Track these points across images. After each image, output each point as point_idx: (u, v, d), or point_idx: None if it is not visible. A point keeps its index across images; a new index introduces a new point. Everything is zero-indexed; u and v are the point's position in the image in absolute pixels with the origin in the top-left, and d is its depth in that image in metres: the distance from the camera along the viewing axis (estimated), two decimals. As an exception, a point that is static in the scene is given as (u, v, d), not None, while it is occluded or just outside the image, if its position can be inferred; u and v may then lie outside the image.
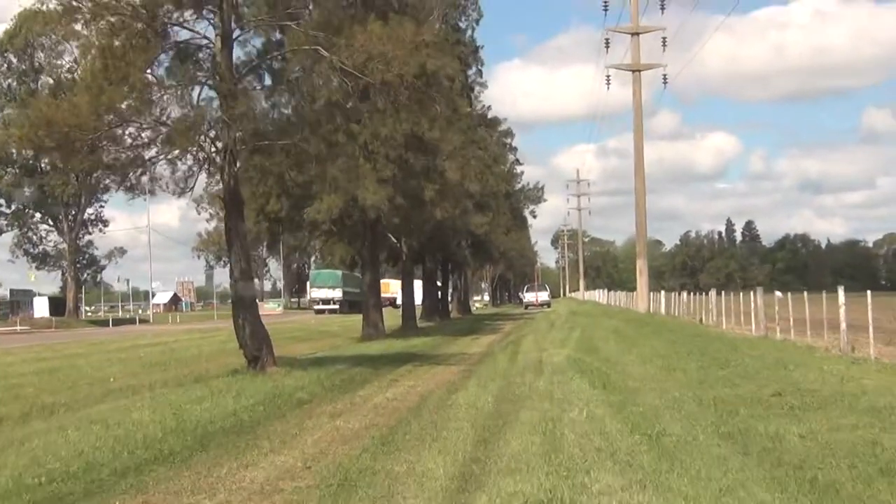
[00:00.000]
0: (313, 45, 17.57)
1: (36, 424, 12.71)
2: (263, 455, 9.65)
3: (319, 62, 17.86)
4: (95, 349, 32.78)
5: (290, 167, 20.22)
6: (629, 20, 52.23)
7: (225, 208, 18.79)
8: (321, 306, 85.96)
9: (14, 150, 62.10)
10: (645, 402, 12.36)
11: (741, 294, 33.19)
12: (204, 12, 17.79)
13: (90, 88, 17.32)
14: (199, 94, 18.27)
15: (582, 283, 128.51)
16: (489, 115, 55.14)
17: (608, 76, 55.91)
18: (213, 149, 18.39)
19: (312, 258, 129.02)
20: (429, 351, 25.20)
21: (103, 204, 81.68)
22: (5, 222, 78.05)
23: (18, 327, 63.60)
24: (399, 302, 47.77)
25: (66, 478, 8.70)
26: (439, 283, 57.28)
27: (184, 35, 18.31)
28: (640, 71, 51.12)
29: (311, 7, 19.21)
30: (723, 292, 35.78)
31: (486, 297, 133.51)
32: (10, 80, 72.23)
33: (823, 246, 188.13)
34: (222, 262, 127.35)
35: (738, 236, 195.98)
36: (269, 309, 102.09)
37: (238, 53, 18.72)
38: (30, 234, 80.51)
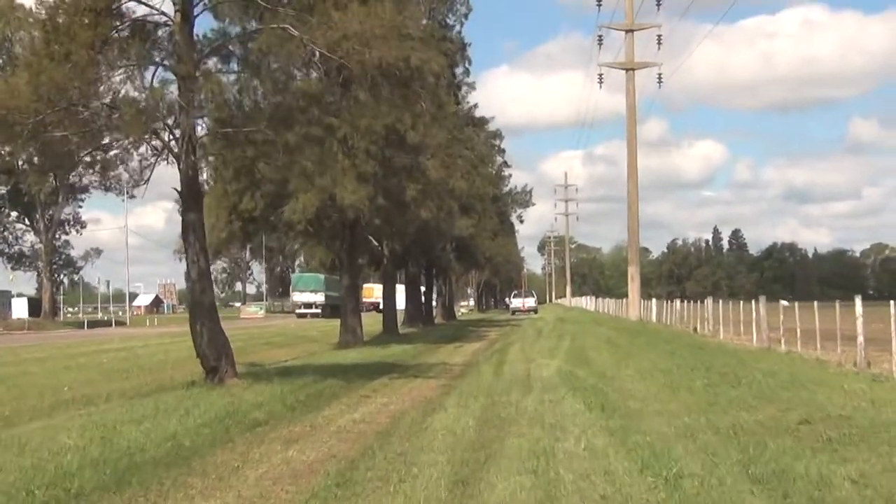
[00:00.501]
0: (282, 25, 15.82)
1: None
2: (188, 499, 7.82)
3: (289, 42, 16.06)
4: (60, 353, 31.19)
5: (257, 158, 18.39)
6: (622, 21, 50.77)
7: (182, 201, 16.94)
8: (303, 310, 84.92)
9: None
10: (651, 429, 10.63)
11: (731, 303, 32.14)
12: (161, -16, 16.01)
13: (30, 66, 15.58)
14: (154, 76, 16.51)
15: (569, 290, 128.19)
16: (476, 115, 53.24)
17: (600, 74, 54.25)
18: (171, 137, 16.63)
19: (297, 262, 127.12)
20: (408, 360, 23.38)
21: (81, 204, 79.70)
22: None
23: (-10, 329, 61.61)
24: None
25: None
26: (423, 288, 55.42)
27: (141, 12, 16.58)
28: (633, 70, 49.57)
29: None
30: (720, 301, 34.23)
31: (472, 303, 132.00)
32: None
33: (810, 255, 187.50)
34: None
35: (725, 244, 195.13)
36: (251, 313, 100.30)
37: (201, 32, 17.00)
38: (5, 233, 78.48)
